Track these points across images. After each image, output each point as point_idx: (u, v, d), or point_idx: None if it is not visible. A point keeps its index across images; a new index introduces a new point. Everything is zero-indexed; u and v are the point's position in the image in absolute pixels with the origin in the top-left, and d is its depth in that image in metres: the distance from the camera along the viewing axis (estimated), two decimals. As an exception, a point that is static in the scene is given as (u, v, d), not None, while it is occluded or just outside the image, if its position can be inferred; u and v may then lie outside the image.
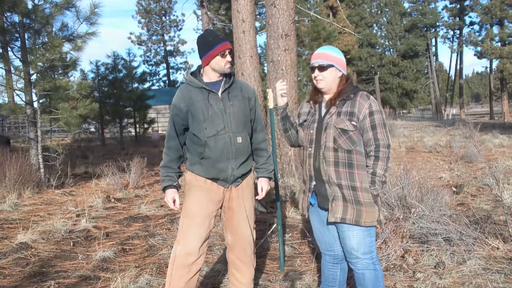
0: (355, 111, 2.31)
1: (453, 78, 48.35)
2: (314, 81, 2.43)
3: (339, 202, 2.33)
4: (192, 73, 2.56)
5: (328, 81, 2.39)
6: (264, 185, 2.64)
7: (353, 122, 2.30)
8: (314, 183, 2.42)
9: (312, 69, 2.42)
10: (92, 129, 26.91)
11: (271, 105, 3.35)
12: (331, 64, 2.37)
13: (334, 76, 2.39)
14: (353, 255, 2.38)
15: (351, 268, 2.46)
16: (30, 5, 8.13)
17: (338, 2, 15.43)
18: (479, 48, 35.60)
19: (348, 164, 2.31)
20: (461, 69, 42.89)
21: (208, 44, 2.42)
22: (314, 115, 2.48)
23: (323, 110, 2.44)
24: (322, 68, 2.38)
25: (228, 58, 2.44)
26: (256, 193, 2.68)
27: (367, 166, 2.32)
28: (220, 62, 2.43)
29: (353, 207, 2.31)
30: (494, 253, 3.56)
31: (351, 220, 2.31)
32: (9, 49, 8.28)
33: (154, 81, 45.14)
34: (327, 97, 2.45)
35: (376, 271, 2.39)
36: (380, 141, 2.28)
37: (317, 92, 2.49)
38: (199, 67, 2.55)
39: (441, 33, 45.63)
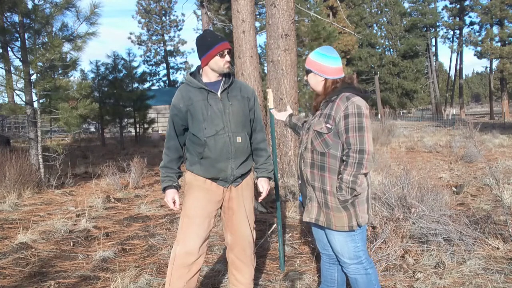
0: (332, 113, 2.28)
1: (453, 78, 48.34)
2: None
3: (314, 203, 2.35)
4: (191, 74, 2.57)
5: (311, 85, 2.46)
6: (264, 185, 2.64)
7: (328, 125, 2.27)
8: (299, 182, 2.49)
9: None
10: (92, 129, 26.94)
11: (271, 105, 3.35)
12: (309, 70, 2.43)
13: (315, 81, 2.43)
14: (341, 260, 2.40)
15: (344, 272, 2.46)
16: (30, 5, 8.14)
17: (338, 2, 15.44)
18: (479, 48, 35.61)
19: (320, 167, 2.30)
20: (461, 69, 42.89)
21: (207, 44, 2.42)
22: (312, 116, 2.54)
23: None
24: (306, 73, 2.47)
25: (227, 58, 2.44)
26: (256, 193, 2.68)
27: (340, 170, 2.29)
28: (219, 62, 2.43)
29: (323, 210, 2.32)
30: (494, 253, 3.56)
31: (324, 223, 2.33)
32: (9, 49, 8.28)
33: (154, 81, 45.17)
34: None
35: (368, 275, 2.37)
36: (352, 146, 2.19)
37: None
38: (199, 68, 2.55)
39: (441, 33, 45.68)
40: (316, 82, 2.41)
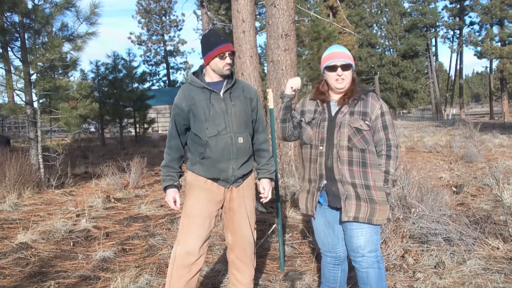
0: (368, 111, 2.36)
1: (453, 78, 48.34)
2: (333, 81, 2.39)
3: (352, 201, 2.33)
4: (194, 73, 2.56)
5: (348, 81, 2.40)
6: (265, 186, 2.63)
7: (366, 122, 2.35)
8: (324, 182, 2.39)
9: (333, 68, 2.37)
10: (92, 129, 26.92)
11: (271, 105, 3.35)
12: (351, 63, 2.41)
13: (351, 75, 2.43)
14: (359, 253, 2.37)
15: (355, 266, 2.44)
16: (30, 5, 8.15)
17: (338, 2, 15.44)
18: (479, 48, 35.61)
19: (362, 163, 2.33)
20: (461, 69, 42.89)
21: (209, 44, 2.42)
22: (322, 113, 2.44)
23: (333, 109, 2.42)
24: (345, 67, 2.38)
25: (228, 60, 2.41)
26: (258, 194, 2.67)
27: (379, 165, 2.36)
28: (219, 64, 2.41)
29: (367, 206, 2.32)
30: (494, 253, 3.56)
31: (364, 219, 2.32)
32: (9, 49, 8.29)
33: (154, 81, 45.15)
34: (336, 96, 2.44)
35: (380, 269, 2.39)
36: (391, 141, 2.38)
37: (323, 92, 2.47)
38: (202, 67, 2.55)
39: (441, 33, 45.73)
40: (351, 78, 2.43)
